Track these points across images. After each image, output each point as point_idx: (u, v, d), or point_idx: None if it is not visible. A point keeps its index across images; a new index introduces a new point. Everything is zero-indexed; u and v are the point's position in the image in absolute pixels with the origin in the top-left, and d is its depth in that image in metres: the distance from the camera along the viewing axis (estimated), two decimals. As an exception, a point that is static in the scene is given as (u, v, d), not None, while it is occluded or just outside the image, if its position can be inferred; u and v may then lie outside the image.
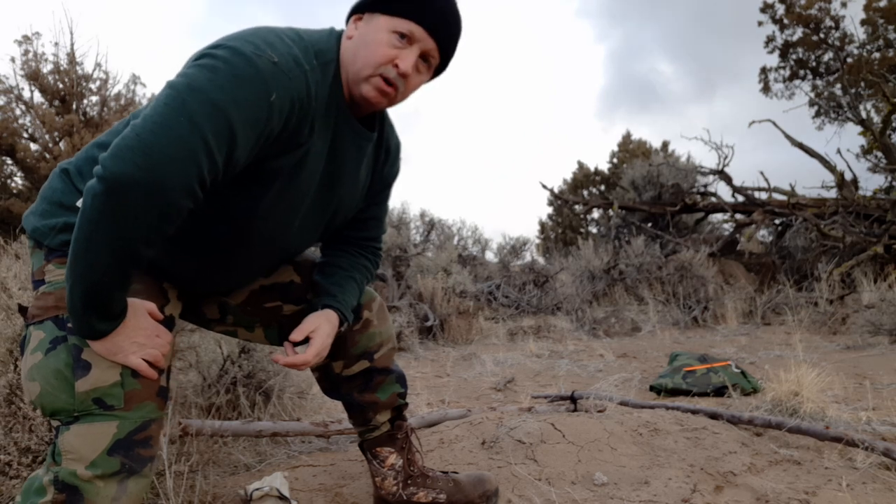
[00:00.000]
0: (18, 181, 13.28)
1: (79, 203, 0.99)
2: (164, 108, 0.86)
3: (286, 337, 1.23)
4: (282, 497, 1.49)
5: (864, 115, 8.32)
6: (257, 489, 1.50)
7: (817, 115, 13.51)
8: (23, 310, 1.06)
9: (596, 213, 11.44)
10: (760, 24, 13.48)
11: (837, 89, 12.98)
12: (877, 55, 12.33)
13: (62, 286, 0.96)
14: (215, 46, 0.94)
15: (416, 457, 1.45)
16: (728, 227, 8.80)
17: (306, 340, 1.19)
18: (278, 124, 0.97)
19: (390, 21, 1.05)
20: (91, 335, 0.95)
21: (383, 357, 1.40)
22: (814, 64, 13.48)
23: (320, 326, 1.19)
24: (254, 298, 1.29)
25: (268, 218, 1.09)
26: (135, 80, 14.33)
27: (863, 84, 11.06)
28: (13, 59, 13.13)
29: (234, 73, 0.90)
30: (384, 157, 1.29)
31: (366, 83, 1.07)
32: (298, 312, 1.29)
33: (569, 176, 15.78)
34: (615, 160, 15.61)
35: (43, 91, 12.98)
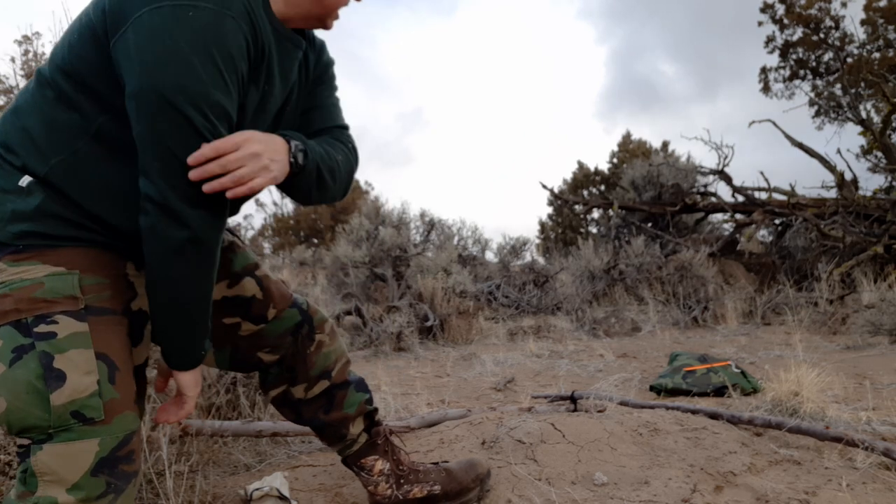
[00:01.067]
0: (18, 181, 13.32)
1: (21, 182, 0.92)
2: None
3: (238, 361, 1.24)
4: (282, 497, 1.49)
5: (864, 115, 8.32)
6: (257, 489, 1.50)
7: (817, 115, 13.52)
8: None
9: (596, 213, 11.44)
10: (760, 24, 13.49)
11: (837, 89, 12.98)
12: (877, 55, 12.33)
13: (20, 286, 0.89)
14: None
15: (401, 456, 1.44)
16: (728, 227, 8.80)
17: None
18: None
19: None
20: (198, 360, 1.00)
21: (339, 372, 1.38)
22: (814, 64, 13.48)
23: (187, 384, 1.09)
24: (215, 311, 1.18)
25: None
26: (135, 80, 14.37)
27: (863, 84, 11.06)
28: (13, 59, 13.14)
29: None
30: (313, 56, 1.20)
31: (319, 21, 1.09)
32: (255, 334, 1.26)
33: (569, 176, 15.78)
34: (615, 160, 15.62)
35: (43, 91, 13.02)
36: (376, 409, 1.44)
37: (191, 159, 0.88)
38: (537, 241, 13.69)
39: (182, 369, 1.03)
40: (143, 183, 0.89)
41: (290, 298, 1.33)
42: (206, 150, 0.88)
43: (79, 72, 0.93)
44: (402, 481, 1.40)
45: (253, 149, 0.92)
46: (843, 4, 12.60)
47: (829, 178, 7.70)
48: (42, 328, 0.89)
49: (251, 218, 20.76)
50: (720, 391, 2.61)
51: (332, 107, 1.26)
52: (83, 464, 0.87)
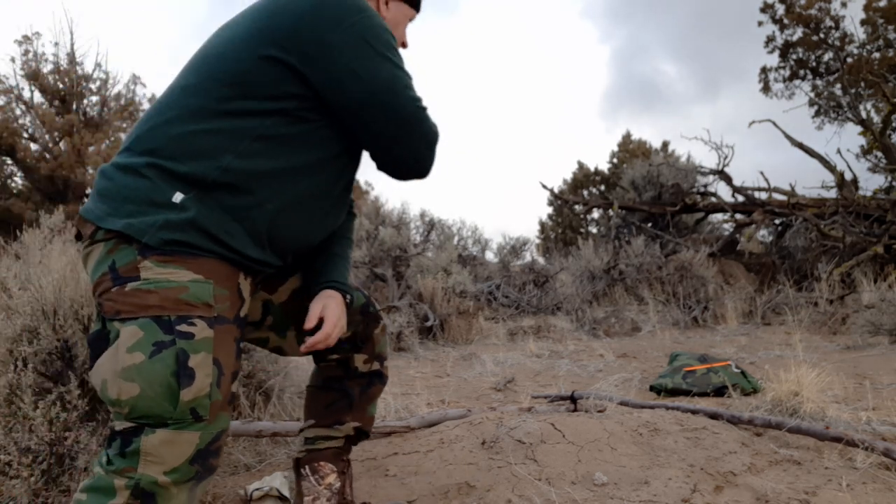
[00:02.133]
0: (18, 181, 13.29)
1: (175, 199, 1.01)
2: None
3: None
4: (282, 497, 1.50)
5: (864, 115, 8.33)
6: (257, 489, 1.50)
7: (817, 115, 13.52)
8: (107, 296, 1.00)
9: (596, 213, 11.44)
10: (760, 24, 13.49)
11: (837, 89, 12.98)
12: (877, 55, 12.33)
13: (168, 286, 0.98)
14: None
15: (352, 489, 1.42)
16: (728, 227, 8.80)
17: (318, 328, 1.23)
18: None
19: (409, 11, 1.36)
20: (346, 287, 1.29)
21: (385, 367, 1.46)
22: (814, 64, 13.48)
23: (327, 304, 1.24)
24: (295, 296, 1.32)
25: (337, 161, 1.17)
26: (135, 80, 14.34)
27: (863, 84, 11.06)
28: (13, 59, 13.14)
29: None
30: None
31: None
32: None
33: (569, 176, 15.79)
34: (615, 160, 15.62)
35: (43, 91, 12.98)
36: (367, 437, 1.46)
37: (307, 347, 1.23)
38: (537, 241, 13.71)
39: (341, 290, 1.28)
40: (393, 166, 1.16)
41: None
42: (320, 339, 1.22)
43: (241, 81, 1.05)
44: None
45: (341, 325, 1.25)
46: (843, 4, 12.60)
47: (829, 178, 7.70)
48: (183, 328, 0.97)
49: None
50: (720, 391, 2.61)
51: None
52: (185, 453, 0.97)
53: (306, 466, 1.39)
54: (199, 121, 1.04)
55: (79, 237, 1.10)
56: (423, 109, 1.13)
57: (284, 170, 1.08)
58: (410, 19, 1.37)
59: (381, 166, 1.18)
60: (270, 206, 1.07)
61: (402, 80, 1.10)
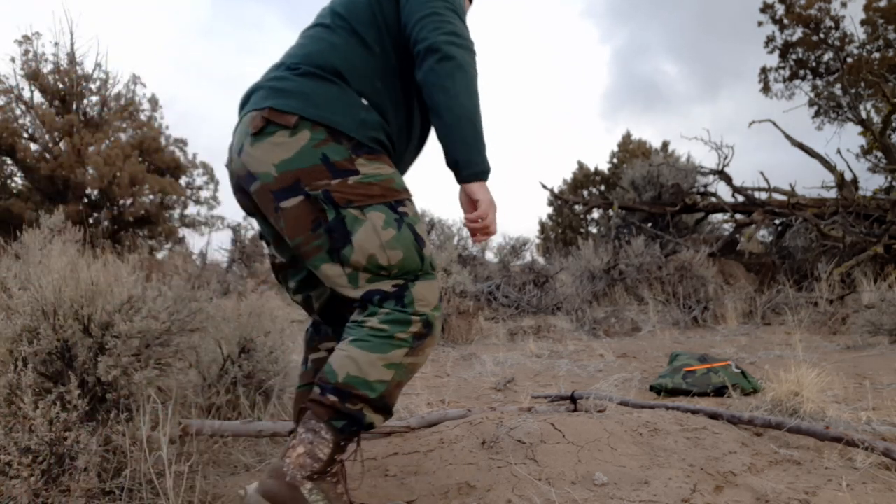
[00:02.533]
0: (18, 181, 13.29)
1: (364, 101, 1.31)
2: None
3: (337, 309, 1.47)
4: (282, 497, 1.49)
5: (864, 115, 8.33)
6: (257, 489, 1.49)
7: (817, 115, 13.53)
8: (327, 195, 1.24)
9: (596, 213, 11.45)
10: (760, 24, 13.49)
11: (837, 89, 12.98)
12: (877, 55, 12.33)
13: (383, 178, 1.27)
14: None
15: (346, 489, 1.30)
16: (728, 227, 8.80)
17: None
18: None
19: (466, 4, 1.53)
20: (486, 172, 1.30)
21: None
22: (814, 64, 13.48)
23: (473, 192, 1.32)
24: None
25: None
26: (135, 80, 14.37)
27: (863, 84, 11.06)
28: (13, 59, 13.14)
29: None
30: None
31: None
32: None
33: (569, 176, 15.79)
34: (615, 160, 15.62)
35: (43, 91, 12.99)
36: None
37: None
38: (537, 241, 13.70)
39: (473, 180, 1.31)
40: (428, 32, 1.27)
41: None
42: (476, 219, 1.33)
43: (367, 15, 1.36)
44: (317, 476, 1.21)
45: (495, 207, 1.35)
46: (843, 4, 12.61)
47: (829, 178, 7.70)
48: (401, 209, 1.28)
49: (251, 218, 20.71)
50: (720, 391, 2.61)
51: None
52: (436, 294, 1.30)
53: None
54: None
55: (260, 132, 1.26)
56: None
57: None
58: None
59: None
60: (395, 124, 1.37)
61: None
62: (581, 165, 15.68)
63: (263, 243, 1.55)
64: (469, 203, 1.34)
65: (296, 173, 1.23)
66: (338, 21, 1.36)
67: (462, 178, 1.31)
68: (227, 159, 1.41)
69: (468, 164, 1.29)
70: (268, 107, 1.26)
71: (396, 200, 1.27)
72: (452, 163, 1.30)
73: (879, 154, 9.62)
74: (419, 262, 1.28)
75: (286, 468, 1.19)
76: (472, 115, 1.28)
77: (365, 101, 1.30)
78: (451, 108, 1.27)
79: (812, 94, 13.41)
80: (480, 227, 1.32)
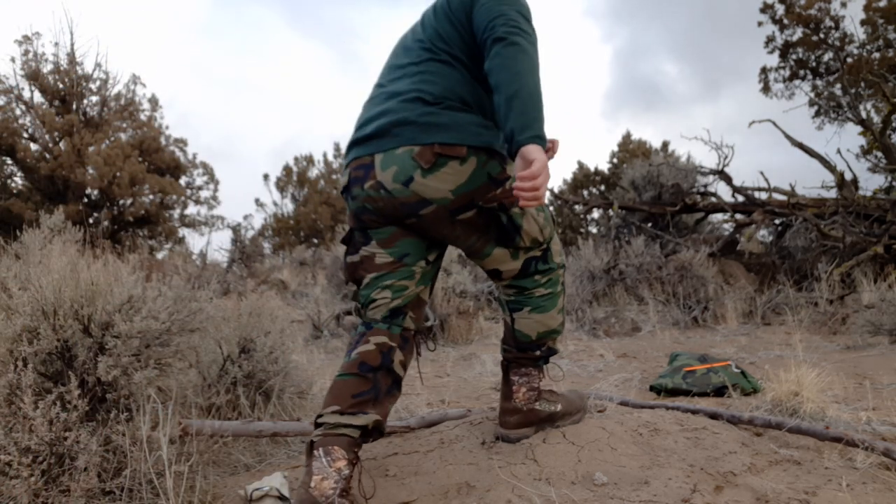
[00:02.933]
0: (18, 181, 13.28)
1: (488, 122, 1.55)
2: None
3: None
4: (282, 497, 1.50)
5: (864, 115, 8.32)
6: (257, 489, 1.50)
7: (817, 115, 13.52)
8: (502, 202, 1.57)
9: (596, 213, 11.43)
10: (760, 24, 13.49)
11: (837, 89, 12.98)
12: (877, 55, 12.33)
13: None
14: None
15: (360, 486, 1.49)
16: (728, 227, 8.79)
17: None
18: None
19: None
20: (542, 137, 1.34)
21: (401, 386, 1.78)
22: (814, 64, 13.48)
23: (529, 153, 1.33)
24: None
25: None
26: (135, 80, 14.37)
27: (863, 84, 11.06)
28: (13, 59, 13.14)
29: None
30: None
31: None
32: None
33: (569, 176, 15.79)
34: (615, 160, 15.62)
35: (43, 91, 12.98)
36: (383, 432, 1.58)
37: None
38: (537, 241, 13.66)
39: (530, 142, 1.33)
40: (496, 27, 1.43)
41: None
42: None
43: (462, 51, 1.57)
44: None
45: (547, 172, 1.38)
46: (843, 4, 12.60)
47: (829, 178, 7.69)
48: None
49: (251, 218, 20.75)
50: (720, 391, 2.61)
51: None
52: (559, 244, 1.76)
53: (320, 448, 1.41)
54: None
55: (432, 165, 1.47)
56: None
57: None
58: None
59: None
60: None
61: None
62: (581, 165, 15.67)
63: (346, 247, 1.69)
64: (524, 166, 1.33)
65: (470, 193, 1.51)
66: (446, 56, 1.56)
67: (520, 141, 1.32)
68: (369, 186, 1.54)
69: (527, 128, 1.33)
70: (435, 142, 1.46)
71: None
72: (511, 131, 1.34)
73: (879, 154, 9.62)
74: (552, 235, 1.72)
75: (518, 404, 1.76)
76: (533, 91, 1.37)
77: (489, 121, 1.55)
78: (513, 83, 1.36)
79: (812, 94, 13.42)
80: (530, 187, 1.29)
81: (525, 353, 1.76)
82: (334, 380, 1.54)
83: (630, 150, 15.49)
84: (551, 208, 15.29)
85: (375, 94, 1.65)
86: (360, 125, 1.61)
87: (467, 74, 1.56)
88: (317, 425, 1.47)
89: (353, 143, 1.61)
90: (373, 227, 1.60)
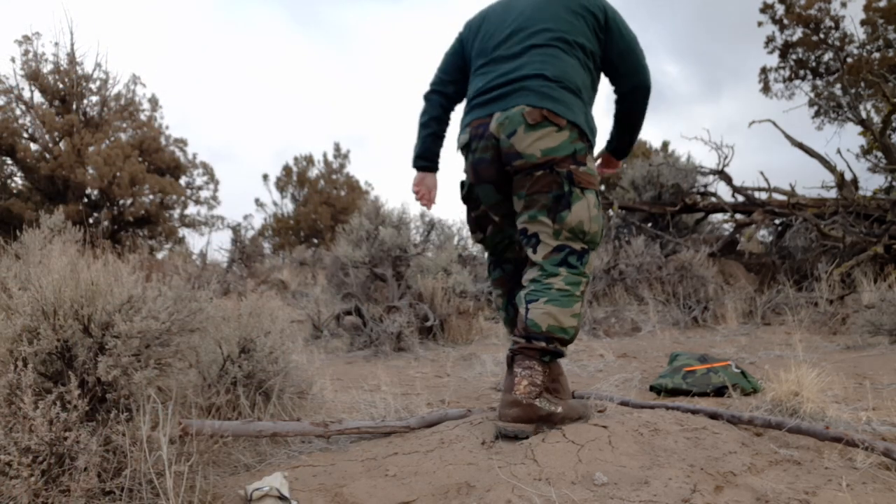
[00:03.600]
0: (18, 181, 13.27)
1: (589, 114, 1.95)
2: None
3: None
4: (282, 497, 1.50)
5: (864, 115, 8.32)
6: (257, 489, 1.50)
7: (817, 115, 13.51)
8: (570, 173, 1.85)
9: (596, 213, 11.40)
10: (760, 24, 13.48)
11: (837, 89, 12.97)
12: (877, 55, 12.32)
13: (594, 173, 1.88)
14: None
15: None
16: (728, 227, 8.79)
17: None
18: None
19: None
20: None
21: None
22: (814, 64, 13.48)
23: (620, 164, 2.26)
24: None
25: None
26: (135, 80, 14.36)
27: (863, 84, 11.05)
28: (13, 59, 13.13)
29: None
30: None
31: None
32: None
33: (569, 176, 15.75)
34: (615, 160, 15.59)
35: (43, 91, 12.98)
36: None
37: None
38: (537, 241, 13.65)
39: (622, 158, 2.20)
40: (635, 77, 2.00)
41: None
42: None
43: (586, 46, 1.94)
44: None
45: None
46: (843, 4, 12.60)
47: (829, 178, 7.69)
48: (600, 198, 1.89)
49: (251, 218, 20.75)
50: (720, 391, 2.61)
51: None
52: (596, 265, 2.45)
53: (518, 361, 1.82)
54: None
55: (536, 124, 1.81)
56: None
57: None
58: None
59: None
60: None
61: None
62: (581, 165, 15.65)
63: (468, 206, 2.14)
64: (609, 166, 2.24)
65: (553, 157, 1.81)
66: (566, 45, 1.90)
67: (619, 155, 2.18)
68: (486, 138, 1.90)
69: (626, 152, 2.18)
70: (546, 108, 1.81)
71: (599, 191, 1.89)
72: (620, 146, 2.15)
73: (879, 154, 9.61)
74: (600, 238, 1.89)
75: (519, 397, 1.77)
76: (639, 135, 2.14)
77: (589, 109, 1.94)
78: (640, 124, 2.08)
79: (812, 94, 13.41)
80: (608, 174, 2.25)
81: (531, 344, 1.81)
82: (503, 313, 2.18)
83: (630, 149, 15.48)
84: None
85: (495, 65, 1.95)
86: (482, 90, 1.93)
87: (582, 63, 1.92)
88: (514, 342, 1.87)
89: (475, 106, 1.95)
90: (486, 180, 1.96)
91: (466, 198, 2.10)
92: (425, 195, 2.18)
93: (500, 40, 1.97)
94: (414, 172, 2.20)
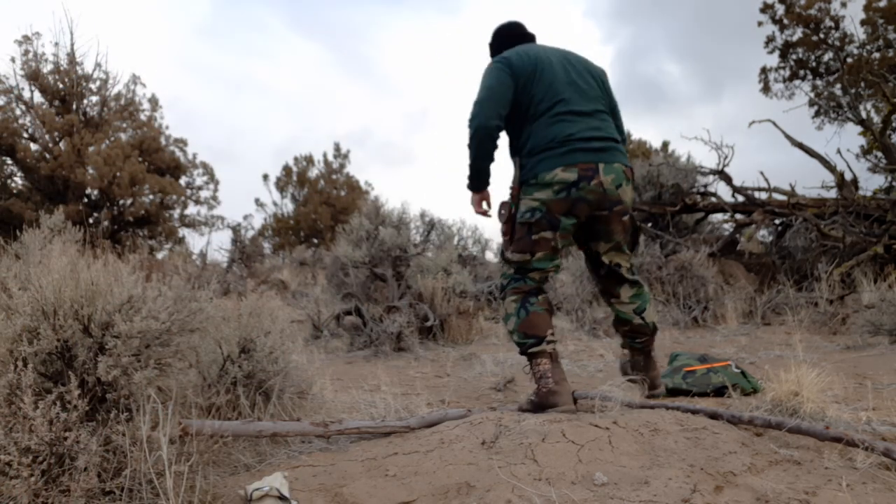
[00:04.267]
0: (18, 181, 13.27)
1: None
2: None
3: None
4: (282, 497, 1.50)
5: (864, 115, 8.32)
6: (257, 489, 1.50)
7: (817, 115, 13.51)
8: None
9: (596, 213, 11.41)
10: (760, 24, 13.48)
11: (837, 89, 12.97)
12: (877, 55, 12.33)
13: None
14: None
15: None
16: (728, 227, 8.78)
17: None
18: None
19: None
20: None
21: None
22: (814, 64, 13.48)
23: None
24: None
25: None
26: (135, 80, 14.36)
27: (863, 84, 11.05)
28: (13, 59, 13.12)
29: None
30: None
31: None
32: None
33: (569, 176, 15.77)
34: (615, 160, 15.60)
35: (43, 91, 12.97)
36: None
37: None
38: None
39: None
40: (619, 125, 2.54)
41: None
42: None
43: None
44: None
45: None
46: (843, 4, 12.60)
47: (829, 178, 7.69)
48: None
49: (251, 218, 20.74)
50: (720, 391, 2.61)
51: None
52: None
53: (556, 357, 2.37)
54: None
55: (629, 179, 2.35)
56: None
57: None
58: None
59: None
60: None
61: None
62: (581, 165, 15.67)
63: (533, 228, 2.32)
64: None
65: (630, 205, 2.37)
66: (609, 111, 2.45)
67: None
68: (594, 184, 2.24)
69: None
70: (630, 167, 2.35)
71: None
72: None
73: (879, 154, 9.61)
74: None
75: (659, 370, 2.69)
76: None
77: None
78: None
79: (812, 94, 13.42)
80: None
81: (654, 336, 2.60)
82: (537, 313, 2.33)
83: (630, 150, 15.46)
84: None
85: (578, 118, 2.29)
86: (579, 138, 2.25)
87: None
88: (549, 342, 2.31)
89: (578, 150, 2.24)
90: (576, 216, 2.29)
91: (538, 222, 2.30)
92: (487, 210, 2.60)
93: (567, 96, 2.31)
94: (469, 193, 2.59)
